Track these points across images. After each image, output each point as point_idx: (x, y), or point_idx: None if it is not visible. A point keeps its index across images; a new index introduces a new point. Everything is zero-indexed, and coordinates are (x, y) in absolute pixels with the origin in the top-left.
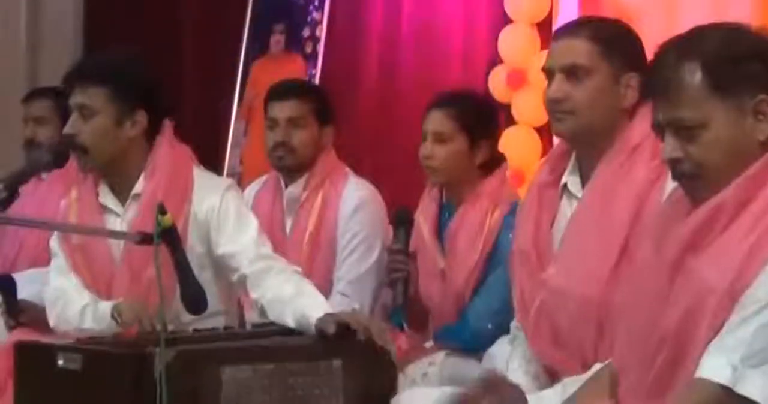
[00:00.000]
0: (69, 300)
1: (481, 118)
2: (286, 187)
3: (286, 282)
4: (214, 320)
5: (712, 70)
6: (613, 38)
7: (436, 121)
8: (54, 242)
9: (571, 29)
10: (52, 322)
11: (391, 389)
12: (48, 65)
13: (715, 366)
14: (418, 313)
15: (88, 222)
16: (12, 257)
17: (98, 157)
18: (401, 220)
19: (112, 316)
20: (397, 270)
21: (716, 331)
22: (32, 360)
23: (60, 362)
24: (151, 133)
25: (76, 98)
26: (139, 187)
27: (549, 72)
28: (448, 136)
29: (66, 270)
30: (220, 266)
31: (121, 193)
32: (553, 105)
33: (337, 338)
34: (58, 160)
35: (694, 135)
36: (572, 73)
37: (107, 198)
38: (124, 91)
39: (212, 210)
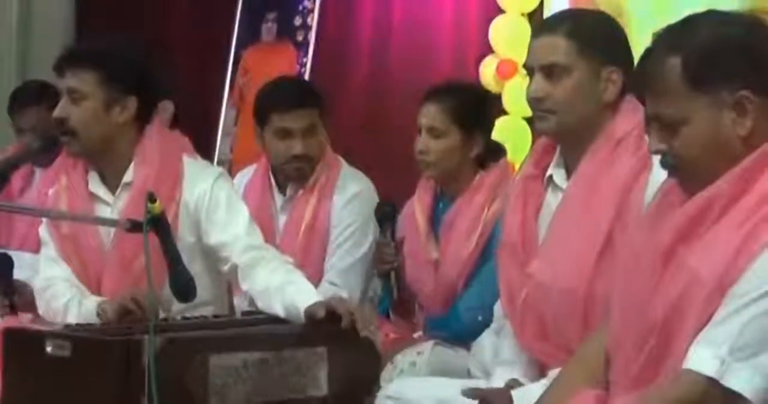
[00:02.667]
0: (55, 293)
1: (475, 110)
2: (278, 184)
3: (275, 272)
4: (204, 309)
5: (691, 66)
6: (592, 33)
7: (430, 115)
8: (43, 231)
9: (549, 26)
10: (40, 311)
11: (375, 376)
12: (39, 49)
13: (702, 357)
14: (403, 301)
15: (79, 211)
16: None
17: (87, 141)
18: (386, 215)
19: (98, 314)
20: (386, 263)
21: (704, 323)
22: (21, 347)
23: (48, 349)
24: (142, 120)
25: (67, 82)
26: (129, 175)
27: (529, 70)
28: (443, 131)
29: (56, 258)
30: (211, 256)
31: (111, 182)
32: (534, 104)
33: (325, 323)
34: (48, 146)
35: (675, 129)
36: (551, 71)
37: (97, 186)
38: (115, 75)
39: (202, 199)
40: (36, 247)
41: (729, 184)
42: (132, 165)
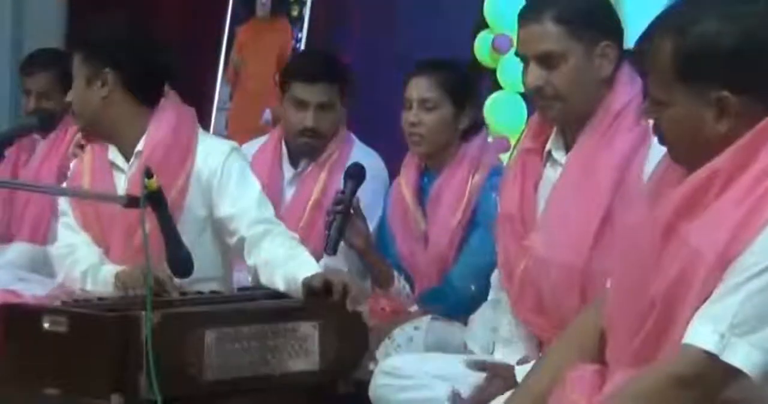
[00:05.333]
0: (76, 260)
1: (466, 83)
2: (290, 156)
3: (280, 246)
4: (207, 285)
5: (681, 57)
6: (579, 13)
7: (423, 87)
8: (63, 201)
9: (534, 13)
10: (59, 279)
11: (363, 349)
12: (33, 32)
13: (701, 333)
14: (378, 270)
15: (99, 180)
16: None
17: (81, 119)
18: (353, 172)
19: (115, 282)
20: (330, 213)
21: (705, 299)
22: (18, 323)
23: (46, 325)
24: (135, 91)
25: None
26: (141, 144)
27: (522, 59)
28: (435, 103)
29: (75, 227)
30: (220, 230)
31: (127, 152)
32: (534, 93)
33: (320, 295)
34: (44, 124)
35: (662, 110)
36: (546, 60)
37: (115, 155)
38: (90, 51)
39: (215, 171)
40: (44, 238)
41: (729, 160)
42: (144, 135)
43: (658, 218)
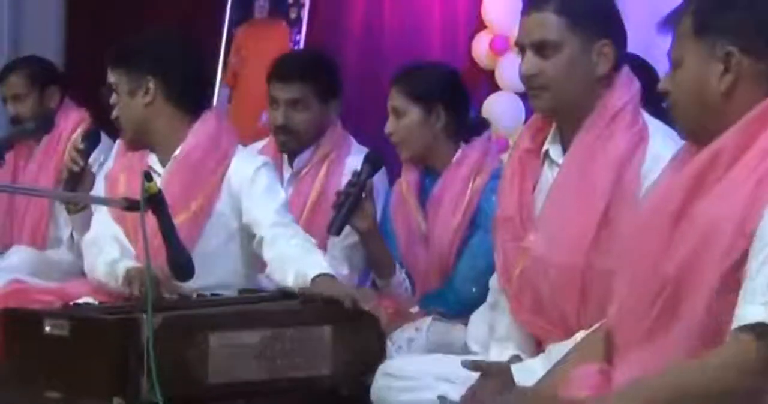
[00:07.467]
0: (101, 250)
1: (435, 85)
2: (290, 160)
3: (296, 246)
4: (224, 292)
5: (699, 14)
6: (582, 7)
7: (392, 97)
8: (102, 192)
9: (538, 2)
10: (85, 268)
11: (380, 356)
12: (31, 35)
13: (746, 311)
14: (379, 258)
15: (135, 183)
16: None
17: (126, 129)
18: (372, 158)
19: (124, 278)
20: (341, 193)
21: (727, 268)
22: (19, 327)
23: (47, 328)
24: (176, 99)
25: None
26: (179, 150)
27: (520, 47)
28: (403, 110)
29: (108, 219)
30: (247, 237)
31: (165, 159)
32: (527, 81)
33: (325, 303)
34: (42, 127)
35: (675, 70)
36: (542, 48)
37: (154, 161)
38: (131, 63)
39: (245, 180)
40: (43, 242)
41: (732, 138)
42: (184, 142)
43: (668, 201)
